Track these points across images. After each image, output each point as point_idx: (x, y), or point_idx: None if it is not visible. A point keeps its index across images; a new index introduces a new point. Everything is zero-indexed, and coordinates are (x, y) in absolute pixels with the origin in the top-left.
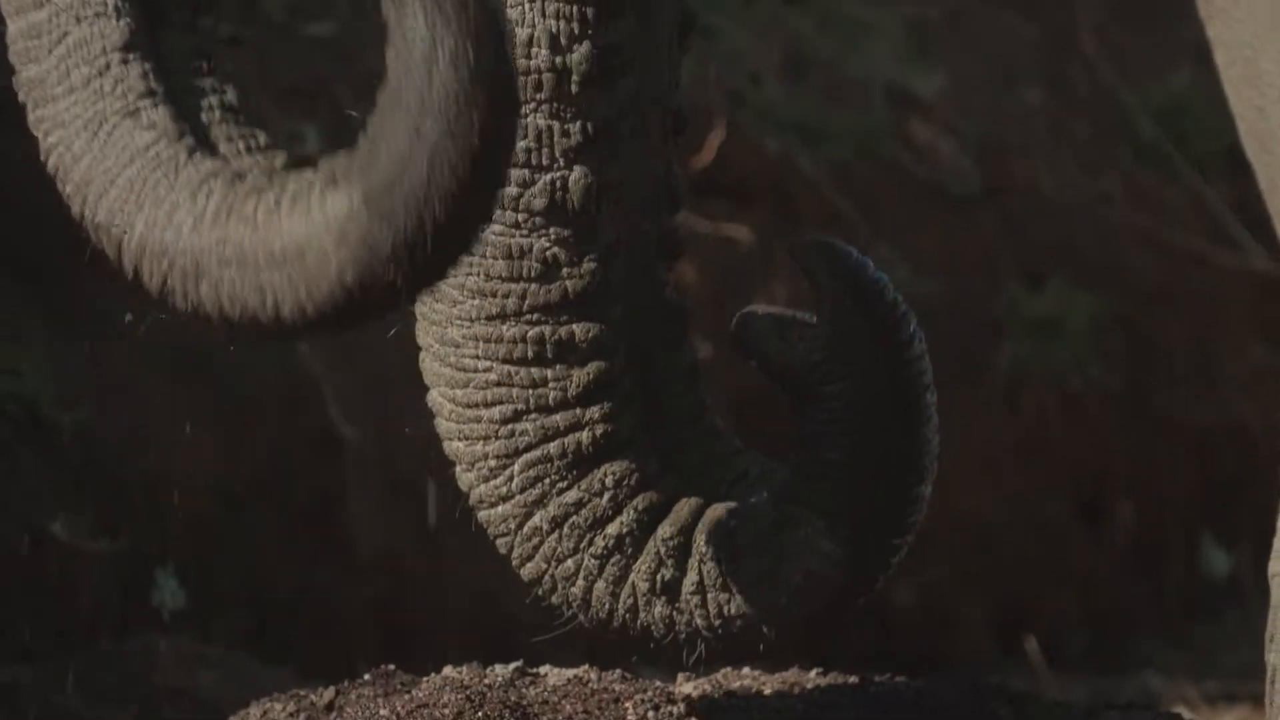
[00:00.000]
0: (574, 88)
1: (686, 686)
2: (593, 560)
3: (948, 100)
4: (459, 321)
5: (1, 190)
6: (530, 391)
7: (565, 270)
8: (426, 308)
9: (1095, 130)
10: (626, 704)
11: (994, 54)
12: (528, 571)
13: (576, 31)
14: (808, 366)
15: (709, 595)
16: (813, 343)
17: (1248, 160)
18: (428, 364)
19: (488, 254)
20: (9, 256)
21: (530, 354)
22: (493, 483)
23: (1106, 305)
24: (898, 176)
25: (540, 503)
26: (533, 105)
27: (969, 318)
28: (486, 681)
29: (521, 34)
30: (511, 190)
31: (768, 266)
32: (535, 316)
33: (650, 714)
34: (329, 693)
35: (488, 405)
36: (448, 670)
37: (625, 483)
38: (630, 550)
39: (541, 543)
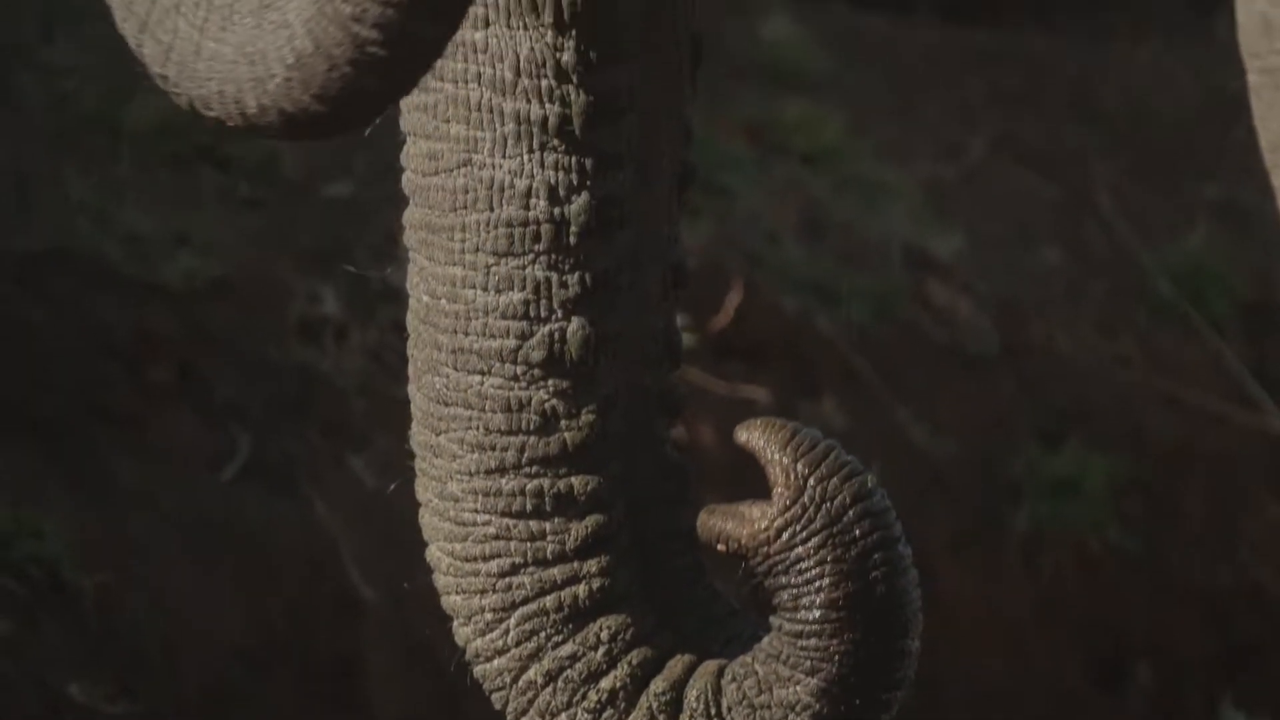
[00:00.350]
0: (572, 239)
1: None
2: (586, 715)
3: (965, 261)
4: (458, 476)
5: (26, 355)
6: (529, 545)
7: (564, 423)
8: (426, 464)
9: (1112, 290)
10: None
11: (1011, 214)
12: None
13: (575, 183)
14: (772, 536)
15: None
16: (773, 516)
17: (1267, 320)
18: (427, 519)
19: (486, 408)
20: (31, 419)
21: (529, 507)
22: (489, 636)
23: (1124, 466)
24: (915, 337)
25: (536, 656)
26: (531, 256)
27: (986, 478)
28: None
29: (520, 185)
30: (510, 343)
31: None
32: (534, 469)
33: None
34: None
35: (486, 559)
36: None
37: (620, 637)
38: (623, 705)
39: (536, 696)
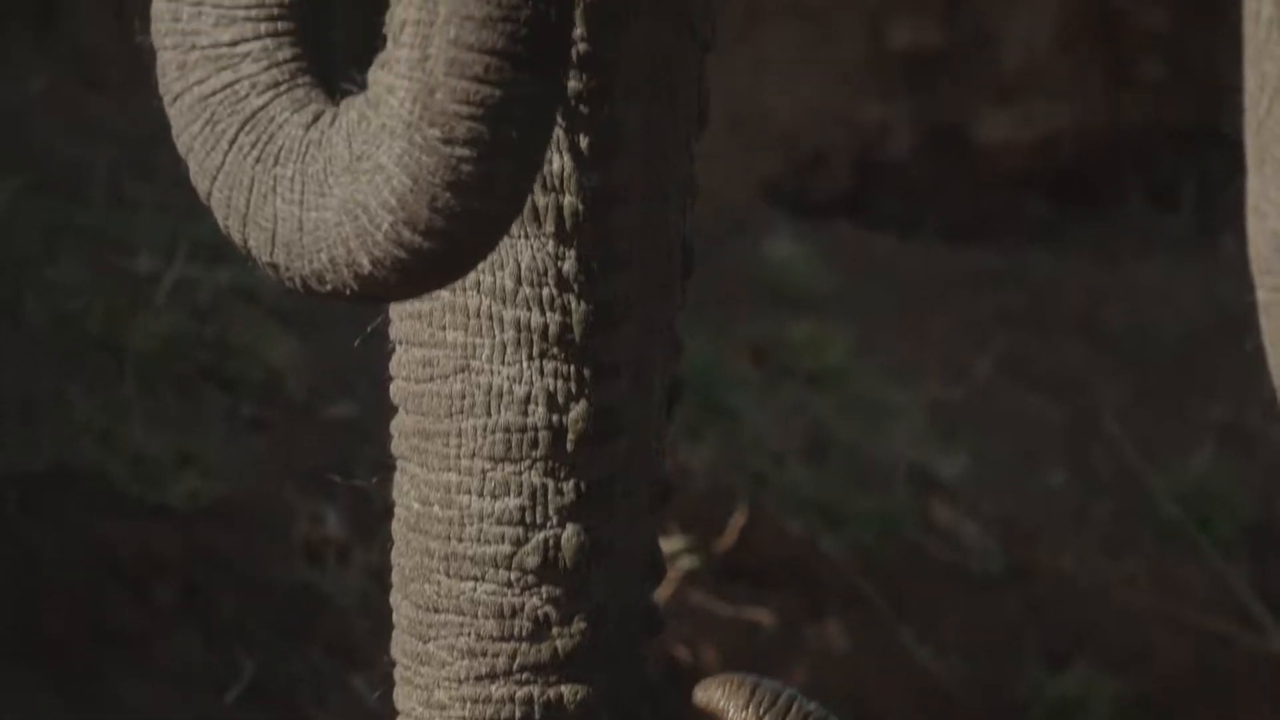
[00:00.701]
0: (570, 446)
1: None
2: None
3: (970, 482)
4: (446, 683)
5: (29, 575)
6: None
7: (556, 630)
8: (411, 673)
9: (1118, 512)
10: None
11: (1017, 435)
12: None
13: (574, 390)
14: None
15: None
16: None
17: (1273, 542)
18: None
19: (479, 614)
20: (34, 640)
21: (518, 715)
22: None
23: (1130, 688)
24: (920, 559)
25: None
26: (528, 462)
27: (991, 700)
28: None
29: (519, 391)
30: (505, 548)
31: (790, 650)
32: (525, 676)
33: None
34: None
35: None
36: None
37: None
38: None
39: None
